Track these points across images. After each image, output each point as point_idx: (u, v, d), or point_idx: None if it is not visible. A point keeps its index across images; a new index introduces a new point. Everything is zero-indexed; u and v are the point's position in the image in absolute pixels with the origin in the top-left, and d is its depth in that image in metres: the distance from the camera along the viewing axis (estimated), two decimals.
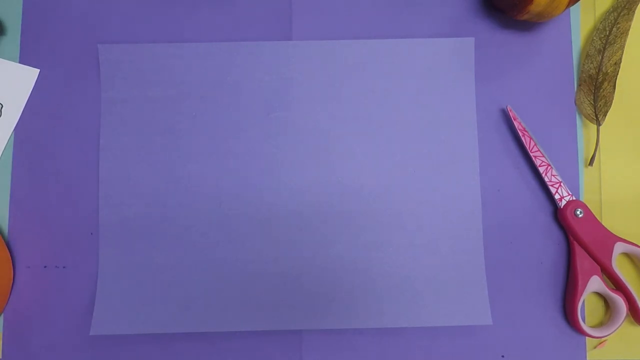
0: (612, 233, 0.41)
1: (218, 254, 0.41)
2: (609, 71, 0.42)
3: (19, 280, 0.41)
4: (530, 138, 0.42)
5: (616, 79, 0.42)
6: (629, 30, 0.43)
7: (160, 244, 0.41)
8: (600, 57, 0.43)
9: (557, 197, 0.41)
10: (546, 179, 0.41)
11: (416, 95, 0.42)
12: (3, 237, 0.41)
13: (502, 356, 0.41)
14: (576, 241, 0.41)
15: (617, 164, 0.43)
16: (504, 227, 0.42)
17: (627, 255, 0.43)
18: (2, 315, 0.41)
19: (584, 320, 0.41)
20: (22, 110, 0.42)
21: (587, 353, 0.41)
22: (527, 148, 0.42)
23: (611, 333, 0.40)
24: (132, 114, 0.42)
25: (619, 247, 0.41)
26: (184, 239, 0.41)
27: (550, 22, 0.44)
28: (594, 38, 0.43)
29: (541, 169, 0.41)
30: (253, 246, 0.41)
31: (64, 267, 0.41)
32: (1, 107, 0.42)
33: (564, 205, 0.41)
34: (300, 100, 0.42)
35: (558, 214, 0.42)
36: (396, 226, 0.41)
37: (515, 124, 0.42)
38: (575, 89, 0.44)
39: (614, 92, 0.42)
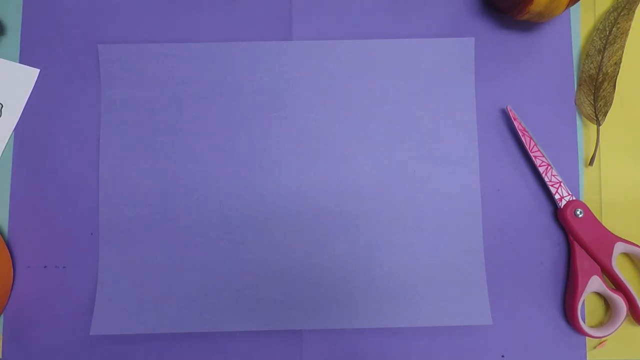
0: (612, 233, 0.41)
1: (218, 254, 0.41)
2: (609, 71, 0.42)
3: (19, 280, 0.41)
4: (530, 138, 0.42)
5: (616, 79, 0.42)
6: (629, 30, 0.43)
7: (160, 244, 0.41)
8: (600, 57, 0.43)
9: (557, 197, 0.41)
10: (546, 179, 0.41)
11: (416, 95, 0.42)
12: (3, 237, 0.41)
13: (502, 356, 0.41)
14: (576, 241, 0.41)
15: (617, 164, 0.43)
16: (504, 227, 0.42)
17: (627, 255, 0.43)
18: (2, 315, 0.41)
19: (584, 320, 0.41)
20: (22, 110, 0.42)
21: (587, 353, 0.41)
22: (527, 148, 0.42)
23: (611, 333, 0.40)
24: (132, 114, 0.42)
25: (619, 247, 0.41)
26: (184, 239, 0.41)
27: (550, 22, 0.44)
28: (594, 38, 0.43)
29: (541, 169, 0.41)
30: (253, 246, 0.41)
31: (64, 267, 0.41)
32: (1, 107, 0.42)
33: (564, 205, 0.41)
34: (300, 100, 0.42)
35: (558, 214, 0.42)
36: (396, 226, 0.41)
37: (515, 124, 0.42)
38: (575, 89, 0.44)
39: (614, 92, 0.42)
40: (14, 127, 0.42)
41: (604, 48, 0.43)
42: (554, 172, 0.42)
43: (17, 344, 0.41)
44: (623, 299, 0.40)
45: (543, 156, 0.42)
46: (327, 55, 0.43)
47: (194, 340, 0.41)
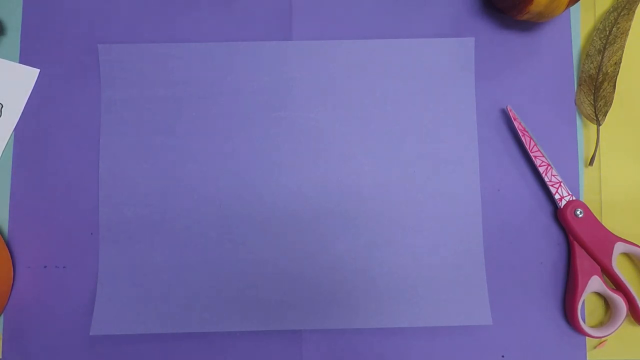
0: (612, 233, 0.41)
1: (218, 254, 0.41)
2: (609, 71, 0.42)
3: (19, 280, 0.41)
4: (530, 138, 0.42)
5: (616, 79, 0.42)
6: (629, 30, 0.43)
7: (160, 244, 0.41)
8: (600, 57, 0.43)
9: (557, 197, 0.41)
10: (546, 179, 0.41)
11: (416, 95, 0.42)
12: (3, 237, 0.41)
13: (502, 356, 0.41)
14: (576, 241, 0.41)
15: (617, 164, 0.43)
16: (504, 227, 0.42)
17: (627, 255, 0.43)
18: (2, 315, 0.41)
19: (584, 320, 0.41)
20: (22, 110, 0.42)
21: (587, 353, 0.41)
22: (527, 148, 0.42)
23: (611, 333, 0.40)
24: (132, 114, 0.42)
25: (619, 247, 0.41)
26: (184, 239, 0.41)
27: (550, 22, 0.44)
28: (594, 38, 0.43)
29: (541, 169, 0.41)
30: (253, 246, 0.41)
31: (64, 267, 0.41)
32: (1, 107, 0.42)
33: (564, 205, 0.41)
34: (300, 100, 0.42)
35: (558, 214, 0.42)
36: (396, 226, 0.41)
37: (515, 124, 0.42)
38: (575, 89, 0.44)
39: (614, 92, 0.42)
40: (14, 127, 0.42)
41: (604, 48, 0.43)
42: (554, 172, 0.42)
43: (17, 344, 0.41)
44: (623, 299, 0.40)
45: (543, 156, 0.42)
46: (327, 55, 0.43)
47: (194, 340, 0.41)
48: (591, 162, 0.43)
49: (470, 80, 0.43)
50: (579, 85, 0.43)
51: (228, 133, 0.42)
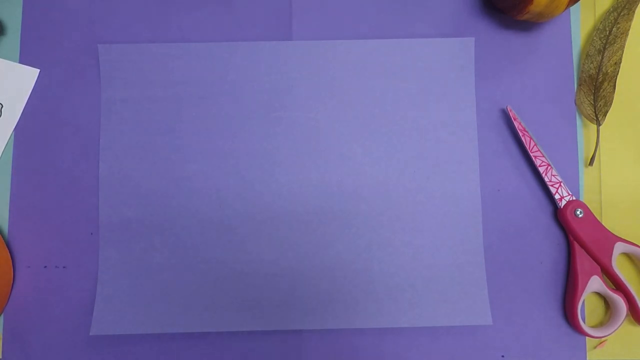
0: (612, 233, 0.41)
1: (218, 254, 0.41)
2: (609, 71, 0.42)
3: (19, 280, 0.41)
4: (530, 138, 0.42)
5: (616, 79, 0.42)
6: (629, 30, 0.43)
7: (160, 244, 0.41)
8: (600, 57, 0.43)
9: (557, 197, 0.41)
10: (546, 179, 0.41)
11: (416, 95, 0.42)
12: (3, 237, 0.41)
13: (502, 356, 0.41)
14: (576, 241, 0.41)
15: (617, 164, 0.43)
16: (504, 227, 0.42)
17: (627, 255, 0.43)
18: (2, 315, 0.41)
19: (584, 320, 0.41)
20: (22, 110, 0.43)
21: (587, 353, 0.41)
22: (527, 148, 0.42)
23: (611, 333, 0.40)
24: (132, 114, 0.42)
25: (619, 247, 0.41)
26: (184, 239, 0.41)
27: (550, 22, 0.44)
28: (594, 38, 0.43)
29: (541, 169, 0.41)
30: (253, 246, 0.41)
31: (64, 267, 0.41)
32: (1, 107, 0.43)
33: (564, 205, 0.41)
34: (300, 100, 0.42)
35: (558, 214, 0.42)
36: (396, 226, 0.41)
37: (515, 124, 0.42)
38: (575, 89, 0.44)
39: (614, 92, 0.42)
40: (14, 127, 0.42)
41: (604, 48, 0.43)
42: (554, 172, 0.42)
43: (17, 344, 0.41)
44: (623, 299, 0.40)
45: (543, 156, 0.42)
46: (327, 55, 0.43)
47: (194, 340, 0.41)
48: (591, 162, 0.43)
49: (470, 80, 0.43)
50: (579, 85, 0.43)
51: (228, 133, 0.42)
